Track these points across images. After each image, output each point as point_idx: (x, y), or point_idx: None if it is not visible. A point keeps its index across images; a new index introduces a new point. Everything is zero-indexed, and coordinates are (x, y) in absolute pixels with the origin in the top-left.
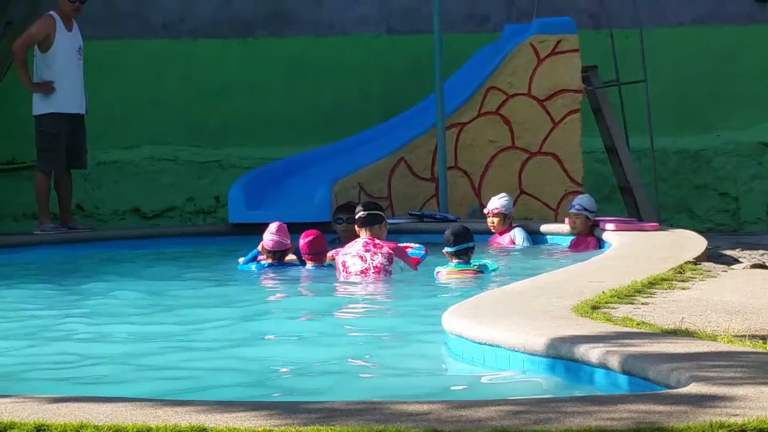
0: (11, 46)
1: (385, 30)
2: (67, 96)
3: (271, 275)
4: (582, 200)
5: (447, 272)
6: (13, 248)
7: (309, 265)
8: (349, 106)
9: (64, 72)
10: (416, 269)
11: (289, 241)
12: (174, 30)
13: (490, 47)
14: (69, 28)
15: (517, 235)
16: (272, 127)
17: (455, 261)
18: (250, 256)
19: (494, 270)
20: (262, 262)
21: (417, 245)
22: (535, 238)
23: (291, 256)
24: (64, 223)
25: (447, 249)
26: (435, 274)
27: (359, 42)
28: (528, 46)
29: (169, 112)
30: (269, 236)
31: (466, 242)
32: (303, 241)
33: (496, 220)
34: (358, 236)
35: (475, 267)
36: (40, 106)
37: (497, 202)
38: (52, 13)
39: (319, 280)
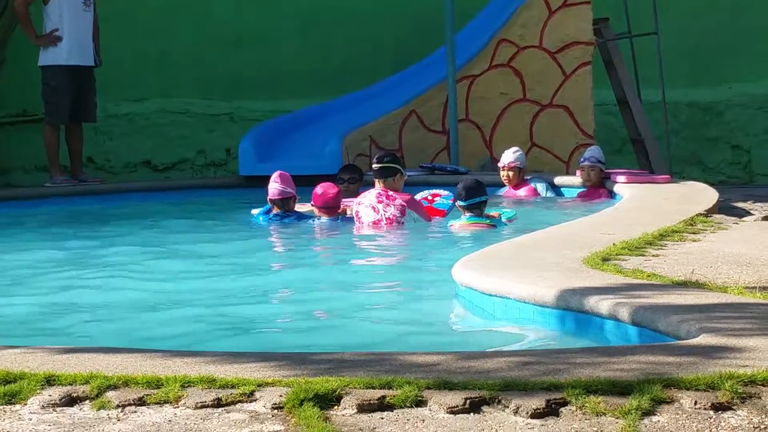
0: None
1: None
2: (72, 47)
3: (281, 227)
4: (595, 152)
5: (459, 225)
6: (24, 200)
7: (322, 217)
8: (360, 59)
9: (66, 23)
10: (431, 220)
11: (292, 189)
12: None
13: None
14: None
15: (539, 186)
16: (283, 80)
17: (468, 214)
18: (264, 209)
19: (511, 217)
20: (270, 214)
21: (446, 193)
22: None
23: (304, 206)
24: (75, 175)
25: (459, 203)
26: (448, 227)
27: None
28: None
29: (180, 65)
30: (272, 185)
31: (478, 196)
32: (317, 194)
33: (511, 173)
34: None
35: (487, 221)
36: (43, 57)
37: (512, 156)
38: None
39: (331, 232)
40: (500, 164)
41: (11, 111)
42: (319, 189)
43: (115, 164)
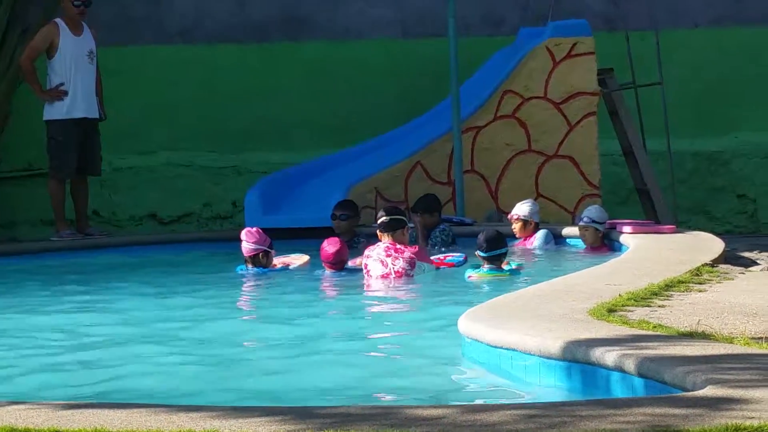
0: None
1: (401, 34)
2: (77, 101)
3: (283, 281)
4: (590, 212)
5: (478, 277)
6: (30, 254)
7: (328, 271)
8: (366, 111)
9: (72, 77)
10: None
11: (263, 245)
12: (190, 36)
13: (506, 50)
14: (77, 33)
15: (537, 237)
16: (289, 132)
17: (487, 266)
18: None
19: (516, 267)
20: (247, 269)
21: (458, 254)
22: (556, 241)
23: (301, 257)
24: (81, 229)
25: (480, 253)
26: (466, 277)
27: (375, 46)
28: (543, 49)
29: (186, 118)
30: (243, 244)
31: (498, 248)
32: (324, 251)
33: (517, 225)
34: (379, 240)
35: (507, 273)
36: (49, 111)
37: (518, 209)
38: (57, 20)
39: (338, 286)
40: (510, 216)
41: (16, 165)
42: (324, 246)
43: (121, 217)
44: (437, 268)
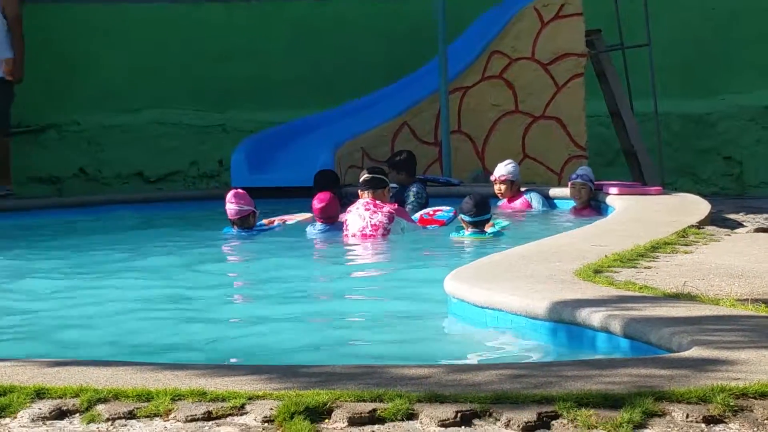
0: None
1: None
2: None
3: (262, 240)
4: (587, 171)
5: (460, 241)
6: (16, 211)
7: (319, 225)
8: (352, 70)
9: None
10: (425, 226)
11: (249, 206)
12: None
13: (494, 11)
14: None
15: (534, 198)
16: (275, 91)
17: (471, 230)
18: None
19: (504, 227)
20: (233, 231)
21: (447, 208)
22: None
23: (303, 215)
24: None
25: (464, 217)
26: (450, 239)
27: (362, 5)
28: (531, 10)
29: (172, 77)
30: (228, 206)
31: (484, 214)
32: (315, 205)
33: (503, 187)
34: (360, 198)
35: (491, 236)
36: None
37: (503, 169)
38: None
39: (322, 243)
40: (492, 177)
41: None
42: (315, 201)
43: (108, 175)
44: (424, 227)
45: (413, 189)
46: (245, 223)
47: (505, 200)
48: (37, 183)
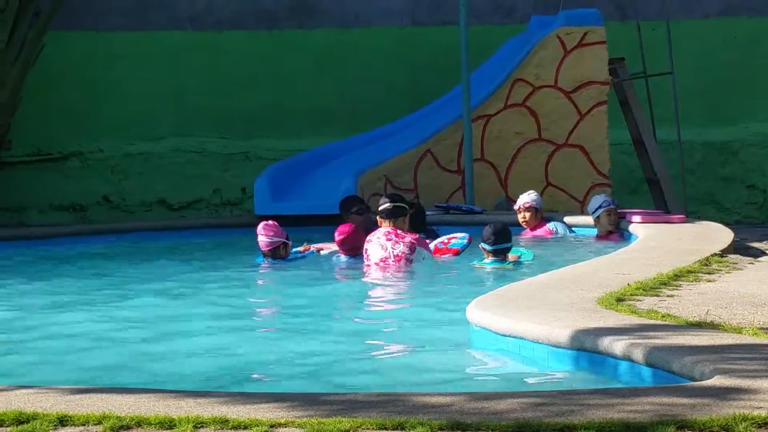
0: (39, 37)
1: (411, 21)
2: None
3: (289, 270)
4: (602, 198)
5: (481, 268)
6: (38, 240)
7: (343, 257)
8: (375, 98)
9: None
10: (441, 256)
11: (279, 237)
12: (200, 22)
13: (517, 39)
14: None
15: (558, 226)
16: (298, 119)
17: (491, 258)
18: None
19: (530, 260)
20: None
21: (461, 234)
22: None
23: (327, 245)
24: None
25: (485, 246)
26: (472, 266)
27: (385, 34)
28: (554, 38)
29: (196, 104)
30: (260, 238)
31: (505, 242)
32: (336, 237)
33: (527, 214)
34: (379, 226)
35: (511, 265)
36: None
37: (527, 197)
38: None
39: (350, 271)
40: (516, 206)
41: (27, 150)
42: (337, 233)
43: (131, 203)
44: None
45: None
46: (276, 254)
47: (528, 229)
48: (60, 211)
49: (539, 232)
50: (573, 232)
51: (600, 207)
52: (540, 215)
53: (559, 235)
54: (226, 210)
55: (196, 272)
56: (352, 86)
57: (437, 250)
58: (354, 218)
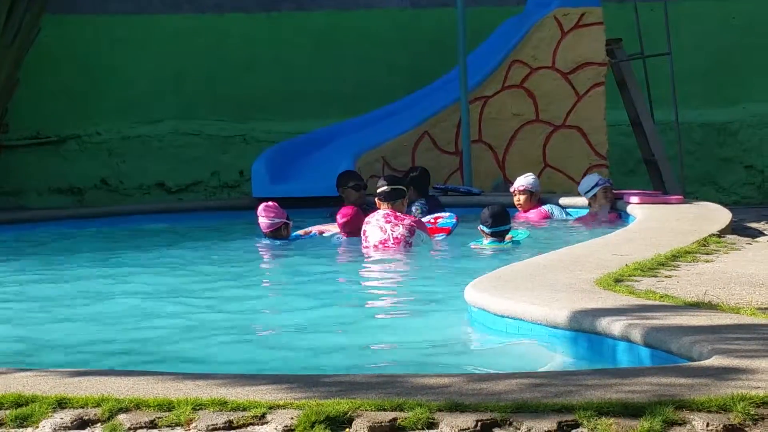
0: (34, 22)
1: (409, 3)
2: None
3: (288, 250)
4: (593, 177)
5: (481, 248)
6: (38, 222)
7: (344, 238)
8: (373, 80)
9: None
10: (434, 239)
11: (280, 218)
12: (199, 4)
13: (514, 20)
14: None
15: (554, 209)
16: (296, 101)
17: (490, 239)
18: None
19: (525, 238)
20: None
21: (448, 214)
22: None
23: (327, 226)
24: None
25: (483, 228)
26: (471, 247)
27: (383, 15)
28: (552, 19)
29: (194, 87)
30: (260, 219)
31: (503, 224)
32: (338, 220)
33: (522, 197)
34: (378, 208)
35: (509, 245)
36: None
37: (523, 180)
38: None
39: (349, 253)
40: (511, 189)
41: (25, 134)
42: (339, 216)
43: (129, 186)
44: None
45: (415, 205)
46: (278, 234)
47: (521, 211)
48: (58, 194)
49: (532, 215)
50: (569, 214)
51: (597, 185)
52: (536, 198)
53: (555, 218)
54: (224, 193)
55: (195, 254)
56: (351, 68)
57: (428, 231)
58: (350, 193)
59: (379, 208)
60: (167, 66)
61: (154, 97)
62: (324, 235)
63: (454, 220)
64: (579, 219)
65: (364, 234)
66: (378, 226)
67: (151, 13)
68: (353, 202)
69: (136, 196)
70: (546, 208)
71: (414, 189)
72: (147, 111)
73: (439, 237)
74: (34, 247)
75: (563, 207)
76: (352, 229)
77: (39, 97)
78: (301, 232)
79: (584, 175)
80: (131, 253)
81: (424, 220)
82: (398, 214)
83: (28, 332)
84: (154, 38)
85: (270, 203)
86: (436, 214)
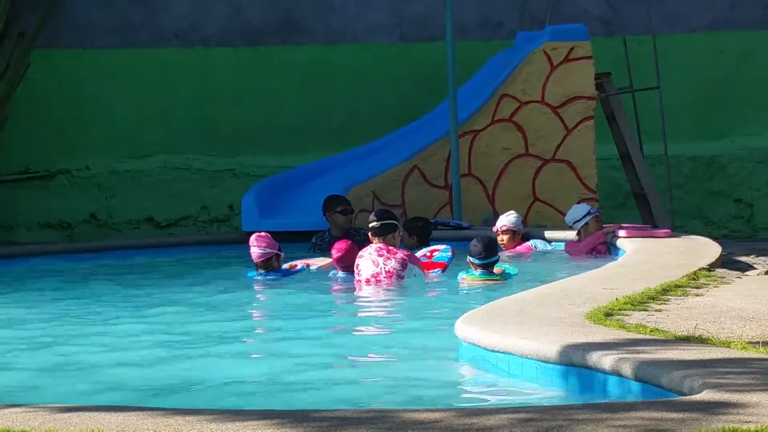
0: (23, 58)
1: (398, 38)
2: None
3: (279, 285)
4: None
5: (470, 281)
6: (28, 257)
7: (341, 273)
8: (362, 114)
9: None
10: (429, 274)
11: (272, 248)
12: (186, 39)
13: (503, 54)
14: None
15: (538, 243)
16: (285, 136)
17: (480, 271)
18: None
19: (514, 275)
20: (258, 273)
21: (443, 247)
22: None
23: (321, 261)
24: None
25: (473, 260)
26: (458, 280)
27: (371, 50)
28: (541, 53)
29: (182, 121)
30: (252, 249)
31: (493, 255)
32: (333, 254)
33: (505, 237)
34: (371, 242)
35: (498, 277)
36: None
37: (505, 220)
38: None
39: (342, 287)
40: (494, 228)
41: (14, 168)
42: (334, 250)
43: (118, 220)
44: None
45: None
46: (269, 265)
47: (504, 250)
48: (47, 229)
49: (518, 249)
50: (554, 246)
51: (589, 213)
52: (518, 236)
53: (539, 250)
54: (213, 227)
55: (185, 288)
56: (339, 102)
57: (424, 265)
58: (337, 217)
59: (372, 242)
60: (155, 100)
61: (142, 131)
62: (311, 268)
63: (449, 254)
64: (571, 245)
65: (357, 268)
66: (371, 259)
67: (138, 47)
68: (341, 226)
69: (125, 230)
70: (529, 243)
71: (417, 238)
72: (135, 145)
73: (434, 272)
74: (22, 282)
75: (548, 240)
76: (347, 264)
77: (28, 132)
78: (286, 265)
79: None
80: (121, 288)
81: (419, 253)
82: (390, 248)
83: (16, 368)
84: (141, 72)
85: (262, 233)
86: (431, 247)
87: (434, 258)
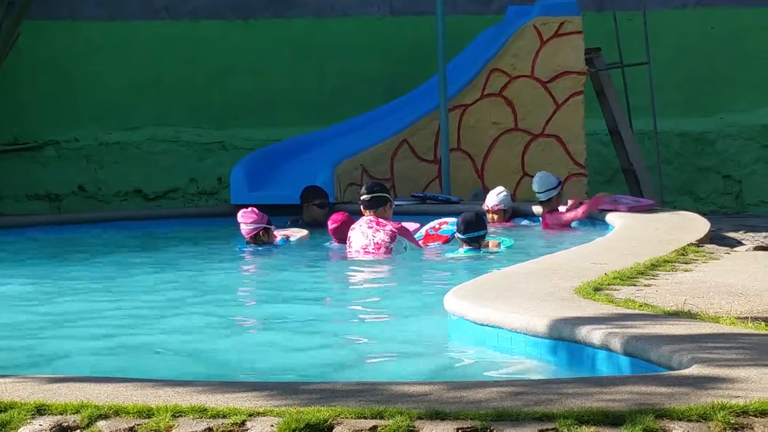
0: (13, 29)
1: (388, 11)
2: None
3: (267, 256)
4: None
5: (457, 258)
6: (15, 228)
7: (335, 244)
8: (352, 88)
9: None
10: (423, 248)
11: (260, 222)
12: (176, 11)
13: (494, 29)
14: None
15: (524, 221)
16: (274, 109)
17: (466, 247)
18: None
19: (510, 246)
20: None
21: (452, 220)
22: (534, 219)
23: (286, 232)
24: None
25: (458, 235)
26: (446, 256)
27: (362, 23)
28: (531, 28)
29: (172, 94)
30: (241, 226)
31: (477, 230)
32: (329, 226)
33: (495, 216)
34: (363, 215)
35: (484, 253)
36: None
37: (496, 199)
38: None
39: (330, 259)
40: (485, 207)
41: (3, 139)
42: (330, 222)
43: (107, 193)
44: (425, 245)
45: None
46: (258, 240)
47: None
48: (35, 200)
49: (506, 225)
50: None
51: (559, 182)
52: (509, 214)
53: (524, 224)
54: (202, 200)
55: (174, 260)
56: (329, 76)
57: (428, 237)
58: (314, 210)
59: (364, 215)
60: (145, 72)
61: (131, 103)
62: (291, 239)
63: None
64: (549, 216)
65: (348, 240)
66: (361, 231)
67: (128, 20)
68: (315, 218)
69: (113, 202)
70: (516, 221)
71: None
72: (124, 117)
73: (434, 245)
74: (11, 254)
75: (536, 216)
76: (342, 236)
77: (17, 103)
78: None
79: (565, 184)
80: (109, 260)
81: (429, 225)
82: (380, 220)
83: (5, 338)
84: (131, 45)
85: (249, 209)
86: (441, 219)
87: (441, 231)
